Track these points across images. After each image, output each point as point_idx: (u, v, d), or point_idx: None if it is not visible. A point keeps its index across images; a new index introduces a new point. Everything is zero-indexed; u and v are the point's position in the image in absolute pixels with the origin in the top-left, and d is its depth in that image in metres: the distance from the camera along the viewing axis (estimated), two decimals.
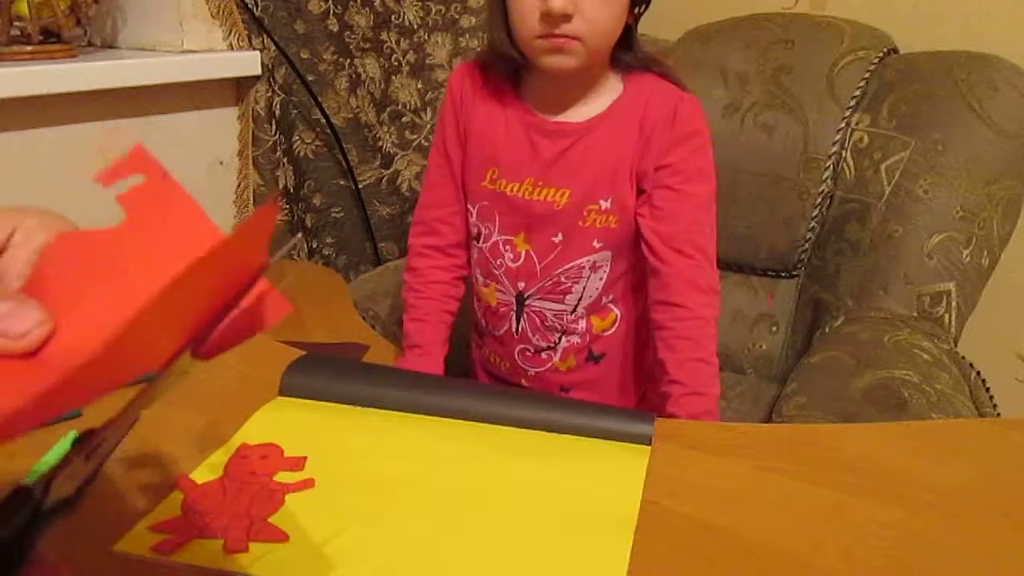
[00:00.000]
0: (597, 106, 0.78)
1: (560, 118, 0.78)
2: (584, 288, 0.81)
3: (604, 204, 0.77)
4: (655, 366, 0.80)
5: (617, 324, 0.85)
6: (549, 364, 0.85)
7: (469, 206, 0.84)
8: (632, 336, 0.85)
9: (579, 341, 0.84)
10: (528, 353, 0.86)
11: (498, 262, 0.83)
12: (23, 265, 0.30)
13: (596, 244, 0.79)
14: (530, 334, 0.85)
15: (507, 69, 0.79)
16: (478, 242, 0.84)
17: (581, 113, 0.78)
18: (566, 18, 0.69)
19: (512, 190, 0.79)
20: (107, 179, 0.30)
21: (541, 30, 0.70)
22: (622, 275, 0.82)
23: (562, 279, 0.81)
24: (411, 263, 0.88)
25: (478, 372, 0.95)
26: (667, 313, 0.78)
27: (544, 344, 0.85)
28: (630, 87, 0.78)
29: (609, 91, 0.78)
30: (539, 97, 0.79)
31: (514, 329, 0.85)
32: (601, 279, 0.81)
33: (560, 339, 0.84)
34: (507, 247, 0.81)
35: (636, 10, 0.74)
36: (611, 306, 0.84)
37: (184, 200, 0.30)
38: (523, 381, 0.88)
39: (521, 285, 0.82)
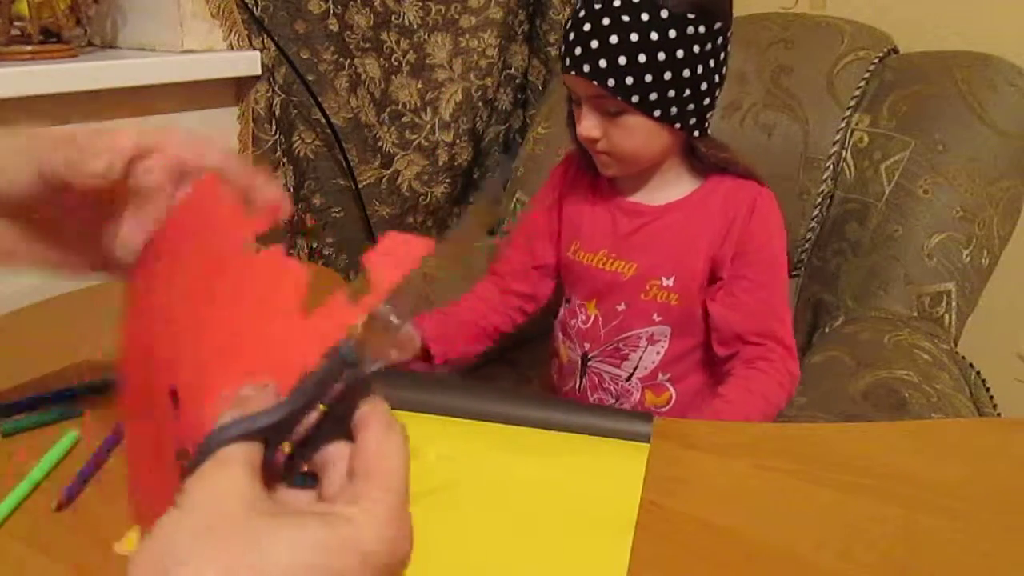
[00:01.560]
0: (674, 194, 0.83)
1: (638, 199, 0.84)
2: (640, 358, 0.85)
3: (667, 281, 0.82)
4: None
5: (671, 404, 0.87)
6: None
7: (562, 271, 0.91)
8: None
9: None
10: None
11: (572, 322, 0.89)
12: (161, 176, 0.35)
13: (655, 317, 0.83)
14: (589, 393, 0.89)
15: None
16: (567, 304, 0.91)
17: (658, 197, 0.83)
18: (594, 140, 0.76)
19: (588, 260, 0.86)
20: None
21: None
22: (680, 357, 0.85)
23: (621, 346, 0.86)
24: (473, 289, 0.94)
25: None
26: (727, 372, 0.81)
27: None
28: (709, 184, 0.83)
29: (686, 184, 0.83)
30: (624, 180, 0.85)
31: (577, 386, 0.90)
32: (658, 353, 0.85)
33: (614, 404, 0.88)
34: (581, 310, 0.88)
35: (678, 125, 0.76)
36: (667, 384, 0.86)
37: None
38: None
39: (587, 346, 0.88)
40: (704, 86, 0.75)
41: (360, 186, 1.24)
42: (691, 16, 0.71)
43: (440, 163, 1.33)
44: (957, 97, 1.03)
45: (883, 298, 1.01)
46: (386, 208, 1.29)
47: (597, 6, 0.71)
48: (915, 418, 0.75)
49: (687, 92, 0.74)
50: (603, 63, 0.71)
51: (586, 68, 0.72)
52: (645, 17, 0.70)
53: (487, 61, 1.34)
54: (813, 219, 1.11)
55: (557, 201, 0.91)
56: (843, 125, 1.09)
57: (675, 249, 0.82)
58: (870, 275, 1.03)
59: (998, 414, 0.97)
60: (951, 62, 1.07)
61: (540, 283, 0.92)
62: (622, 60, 0.70)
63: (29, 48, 0.92)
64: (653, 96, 0.72)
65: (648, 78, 0.71)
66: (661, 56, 0.71)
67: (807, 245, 1.13)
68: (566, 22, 0.76)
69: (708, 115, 0.78)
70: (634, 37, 0.70)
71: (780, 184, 1.12)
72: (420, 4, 1.25)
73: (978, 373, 0.96)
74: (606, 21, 0.70)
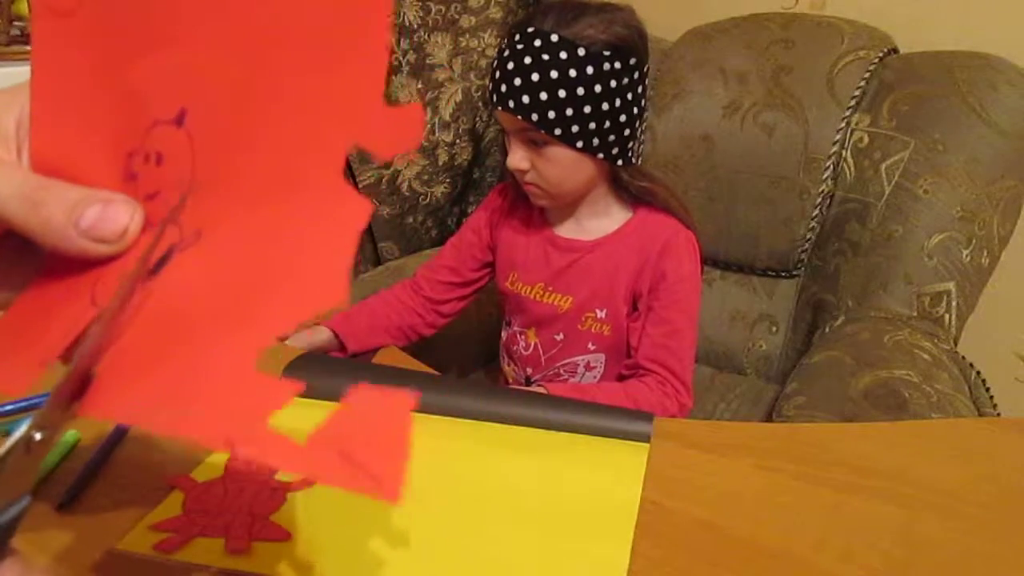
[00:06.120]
0: (605, 227, 0.88)
1: (571, 235, 0.89)
2: (579, 382, 0.91)
3: (600, 313, 0.88)
4: None
5: None
6: None
7: (503, 298, 0.97)
8: None
9: None
10: None
11: (515, 348, 0.95)
12: None
13: (591, 346, 0.89)
14: None
15: None
16: (508, 327, 0.97)
17: (590, 232, 0.88)
18: (523, 172, 0.82)
19: (526, 292, 0.91)
20: None
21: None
22: (615, 381, 0.89)
23: (561, 371, 0.92)
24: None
25: None
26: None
27: None
28: (638, 217, 0.87)
29: (617, 216, 0.88)
30: (555, 214, 0.90)
31: None
32: (595, 377, 0.91)
33: None
34: (521, 337, 0.94)
35: (601, 155, 0.80)
36: None
37: None
38: None
39: (529, 370, 0.94)
40: (623, 118, 0.79)
41: (360, 186, 1.24)
42: (606, 53, 0.76)
43: (440, 163, 1.33)
44: (957, 97, 1.03)
45: (883, 298, 1.01)
46: (386, 208, 1.30)
47: (520, 46, 0.76)
48: (915, 418, 0.75)
49: (607, 124, 0.78)
50: (526, 99, 0.76)
51: (511, 104, 0.77)
52: (563, 55, 0.75)
53: (487, 61, 1.34)
54: (813, 219, 1.11)
55: (490, 225, 0.95)
56: (843, 125, 1.09)
57: (604, 283, 0.87)
58: (870, 275, 1.03)
59: (998, 414, 0.97)
60: (951, 62, 1.07)
61: (449, 294, 0.96)
62: (543, 96, 0.75)
63: (29, 48, 0.92)
64: (575, 128, 0.77)
65: (569, 111, 0.76)
66: (580, 91, 0.76)
67: (807, 245, 1.13)
68: (493, 60, 0.81)
69: (630, 145, 0.82)
70: (554, 74, 0.75)
71: (780, 184, 1.12)
72: (420, 4, 1.25)
73: (978, 373, 0.96)
74: (528, 60, 0.76)
